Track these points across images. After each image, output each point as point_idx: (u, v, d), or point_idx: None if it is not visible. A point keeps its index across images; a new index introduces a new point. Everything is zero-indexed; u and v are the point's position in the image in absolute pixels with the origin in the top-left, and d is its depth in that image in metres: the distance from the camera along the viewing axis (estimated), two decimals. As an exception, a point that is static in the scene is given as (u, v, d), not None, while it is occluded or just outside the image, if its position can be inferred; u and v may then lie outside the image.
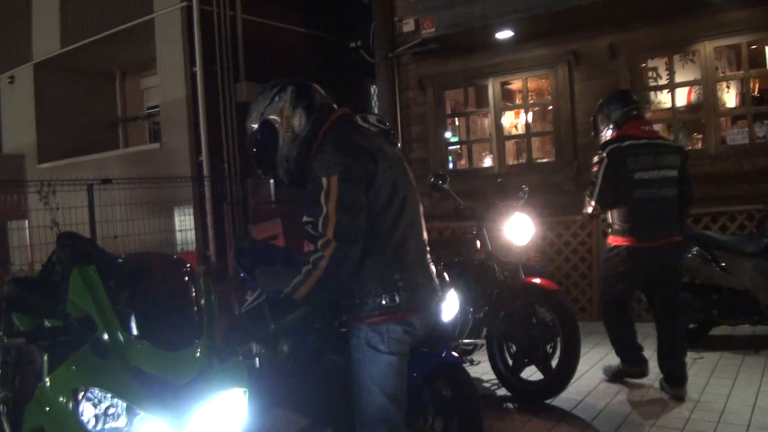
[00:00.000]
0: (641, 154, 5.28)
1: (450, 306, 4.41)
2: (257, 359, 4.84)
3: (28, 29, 14.92)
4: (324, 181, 2.85)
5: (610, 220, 5.65)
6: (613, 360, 6.12)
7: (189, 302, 2.65)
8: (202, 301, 2.70)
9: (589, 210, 5.48)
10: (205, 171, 11.38)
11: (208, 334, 2.59)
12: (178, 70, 11.70)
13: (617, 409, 5.14)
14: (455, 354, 4.24)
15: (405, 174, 3.18)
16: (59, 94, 14.61)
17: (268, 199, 11.48)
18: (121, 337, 2.44)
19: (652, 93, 9.13)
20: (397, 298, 3.02)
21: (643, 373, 5.66)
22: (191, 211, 11.26)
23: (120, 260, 2.78)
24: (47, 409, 2.48)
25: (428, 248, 3.32)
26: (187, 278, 2.71)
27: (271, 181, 11.80)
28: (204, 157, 11.44)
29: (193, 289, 2.69)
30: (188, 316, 2.60)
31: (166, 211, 10.76)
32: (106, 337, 2.44)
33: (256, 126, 3.16)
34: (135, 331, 2.46)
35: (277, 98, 3.11)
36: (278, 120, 3.09)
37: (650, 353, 5.62)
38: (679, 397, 5.24)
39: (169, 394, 2.35)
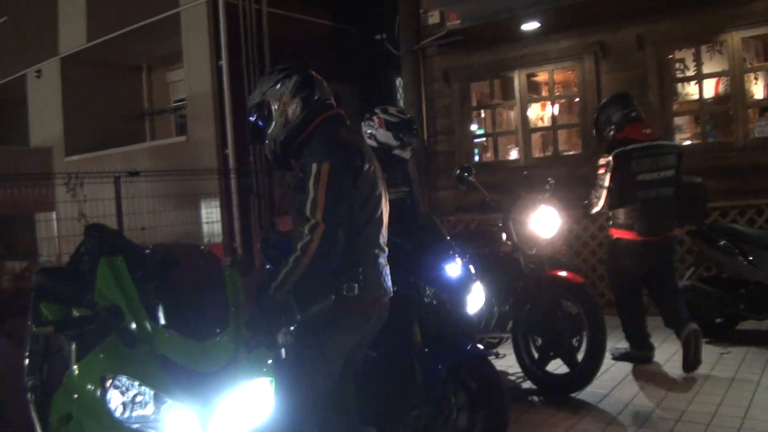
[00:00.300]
0: (643, 157, 5.76)
1: (475, 299, 4.39)
2: (283, 350, 4.89)
3: (54, 24, 15.03)
4: (314, 166, 3.01)
5: (610, 214, 6.08)
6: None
7: (215, 293, 2.66)
8: (229, 292, 2.71)
9: (595, 210, 5.96)
10: (231, 164, 11.41)
11: (234, 325, 2.60)
12: (204, 63, 11.73)
13: (643, 402, 5.12)
14: (480, 347, 4.25)
15: (382, 177, 3.38)
16: (86, 88, 14.70)
17: (294, 191, 11.48)
18: (148, 327, 2.46)
19: (679, 85, 9.01)
20: (356, 289, 3.16)
21: (648, 358, 6.04)
22: (217, 203, 11.30)
23: (147, 251, 2.80)
24: (75, 396, 2.50)
25: (386, 250, 3.43)
26: (213, 269, 2.73)
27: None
28: (230, 150, 11.46)
29: (220, 280, 2.71)
30: (215, 307, 2.62)
31: (193, 203, 10.82)
32: (133, 326, 2.46)
33: (255, 103, 3.37)
34: (162, 321, 2.47)
35: (280, 84, 3.30)
36: (276, 104, 3.27)
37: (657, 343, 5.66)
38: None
39: (196, 382, 2.37)
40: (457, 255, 4.35)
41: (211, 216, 11.21)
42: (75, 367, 2.55)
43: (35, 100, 15.75)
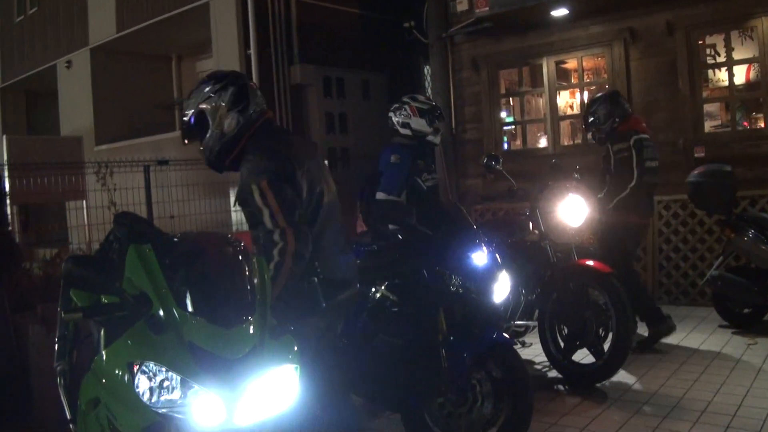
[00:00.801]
0: (649, 147, 6.27)
1: (502, 288, 4.39)
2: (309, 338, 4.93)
3: (84, 14, 15.15)
4: (255, 187, 3.14)
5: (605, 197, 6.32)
6: (668, 344, 6.08)
7: (242, 280, 2.67)
8: (255, 280, 2.73)
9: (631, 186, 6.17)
10: (260, 152, 11.43)
11: (260, 312, 2.62)
12: (233, 53, 11.76)
13: (669, 393, 5.09)
14: (506, 336, 4.25)
15: (321, 171, 3.51)
16: (115, 78, 14.83)
17: (321, 179, 11.51)
18: (176, 314, 2.48)
19: (709, 71, 8.90)
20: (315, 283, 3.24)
21: (671, 327, 6.17)
22: (246, 191, 11.33)
23: (176, 239, 2.82)
24: (103, 381, 2.54)
25: (345, 240, 3.58)
26: (240, 257, 2.74)
27: (326, 162, 11.90)
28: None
29: (247, 268, 2.73)
30: (242, 294, 2.63)
31: (222, 191, 10.85)
32: (161, 313, 2.49)
33: (190, 112, 3.46)
34: (190, 308, 2.50)
35: (216, 95, 3.40)
36: (212, 117, 3.40)
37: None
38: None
39: (223, 368, 2.39)
40: (483, 244, 4.35)
41: (239, 204, 11.21)
42: (103, 352, 2.58)
43: (66, 90, 15.91)
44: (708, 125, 8.64)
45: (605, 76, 9.34)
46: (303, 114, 12.02)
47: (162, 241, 2.82)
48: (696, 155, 8.02)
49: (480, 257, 4.26)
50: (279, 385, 2.50)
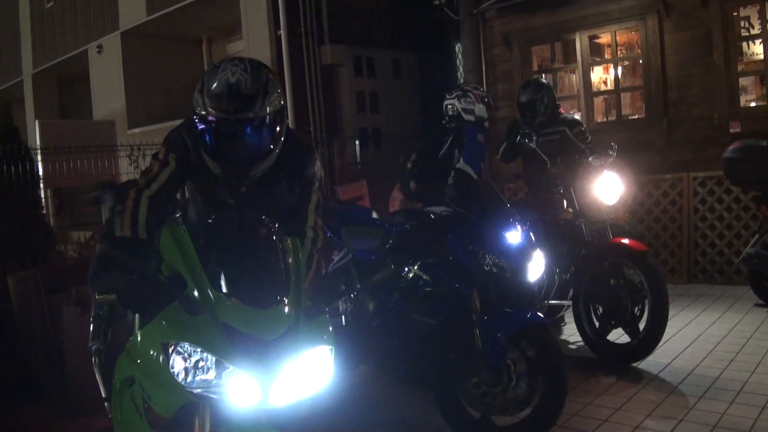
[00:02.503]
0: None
1: (536, 267, 4.34)
2: (343, 317, 4.93)
3: (114, -1, 15.26)
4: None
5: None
6: (704, 322, 6.01)
7: (277, 261, 2.67)
8: (290, 260, 2.72)
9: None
10: (292, 134, 11.45)
11: (295, 293, 2.62)
12: (263, 34, 11.76)
13: (704, 373, 5.02)
14: (540, 315, 4.21)
15: None
16: (146, 61, 14.90)
17: (354, 160, 11.53)
18: (211, 295, 2.49)
19: (744, 44, 8.71)
20: None
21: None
22: (278, 172, 11.36)
23: (210, 221, 2.82)
24: (138, 361, 2.55)
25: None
26: (275, 237, 2.74)
27: (357, 142, 11.91)
28: (290, 120, 11.52)
29: (281, 248, 2.72)
30: (276, 275, 2.63)
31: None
32: (196, 294, 2.49)
33: (277, 109, 2.96)
34: (224, 289, 2.50)
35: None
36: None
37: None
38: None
39: (258, 349, 2.39)
40: (517, 222, 4.31)
41: (271, 185, 11.25)
42: (138, 333, 2.60)
43: (97, 75, 16.04)
44: (743, 99, 8.48)
45: (639, 51, 9.19)
46: (334, 94, 12.01)
47: (196, 222, 2.82)
48: (731, 130, 7.89)
49: (514, 236, 4.21)
50: (314, 365, 2.49)
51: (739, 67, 8.42)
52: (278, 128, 2.92)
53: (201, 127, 2.87)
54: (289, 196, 3.18)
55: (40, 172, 9.57)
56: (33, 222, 7.33)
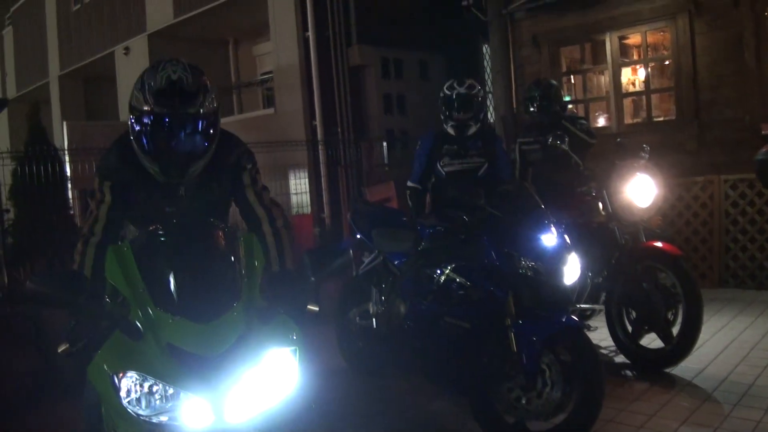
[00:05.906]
0: None
1: (572, 270, 4.27)
2: (374, 320, 4.91)
3: (141, 1, 15.33)
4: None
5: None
6: (736, 327, 5.92)
7: (228, 263, 2.57)
8: (243, 260, 2.61)
9: None
10: (319, 135, 11.47)
11: (247, 296, 2.51)
12: (291, 35, 11.78)
13: (739, 379, 4.94)
14: (575, 319, 4.16)
15: None
16: (173, 63, 14.95)
17: (381, 162, 11.51)
18: (152, 314, 2.39)
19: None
20: None
21: None
22: (306, 174, 11.40)
23: (151, 229, 2.69)
24: (99, 392, 2.49)
25: None
26: (225, 240, 2.62)
27: (384, 144, 11.90)
28: (318, 122, 11.54)
29: (233, 248, 2.61)
30: (227, 279, 2.52)
31: (282, 174, 10.93)
32: (140, 314, 2.40)
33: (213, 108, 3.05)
34: (170, 305, 2.40)
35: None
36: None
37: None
38: None
39: (203, 368, 2.29)
40: (553, 224, 4.24)
41: (299, 187, 11.31)
42: (88, 367, 2.50)
43: (124, 76, 16.12)
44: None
45: (665, 52, 9.09)
46: (361, 96, 12.02)
47: (142, 236, 2.74)
48: (764, 132, 7.78)
49: (549, 239, 4.15)
50: (273, 371, 2.39)
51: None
52: (214, 128, 3.01)
53: (137, 128, 2.93)
54: (228, 194, 3.31)
55: (68, 173, 9.62)
56: (61, 223, 7.35)
